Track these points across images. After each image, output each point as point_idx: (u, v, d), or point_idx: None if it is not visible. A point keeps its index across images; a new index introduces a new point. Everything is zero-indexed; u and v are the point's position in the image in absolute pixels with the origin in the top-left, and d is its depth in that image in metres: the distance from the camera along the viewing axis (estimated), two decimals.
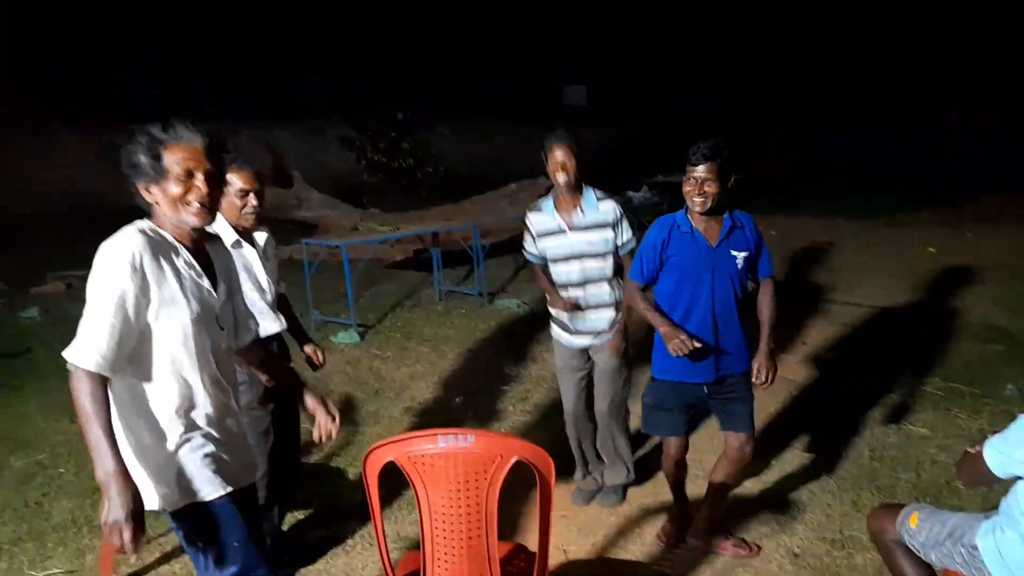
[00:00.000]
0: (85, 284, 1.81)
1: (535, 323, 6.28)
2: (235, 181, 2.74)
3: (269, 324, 2.89)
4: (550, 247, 3.31)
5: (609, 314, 3.31)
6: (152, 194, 1.88)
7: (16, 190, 12.23)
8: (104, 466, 1.70)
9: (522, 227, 3.44)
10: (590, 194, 3.28)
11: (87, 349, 1.73)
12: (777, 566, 2.97)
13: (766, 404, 4.55)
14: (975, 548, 2.09)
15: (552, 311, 3.42)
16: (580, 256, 3.27)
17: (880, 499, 3.38)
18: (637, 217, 10.31)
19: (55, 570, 3.06)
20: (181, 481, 1.88)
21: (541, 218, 3.33)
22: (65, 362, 1.74)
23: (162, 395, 1.88)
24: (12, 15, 13.86)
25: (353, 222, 8.69)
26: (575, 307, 3.29)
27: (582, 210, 3.25)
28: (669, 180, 12.39)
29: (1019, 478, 2.01)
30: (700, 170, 2.77)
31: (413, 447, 2.09)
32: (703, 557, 3.03)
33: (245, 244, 2.87)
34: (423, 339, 6.07)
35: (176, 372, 1.88)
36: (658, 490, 3.56)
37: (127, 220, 1.90)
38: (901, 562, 2.31)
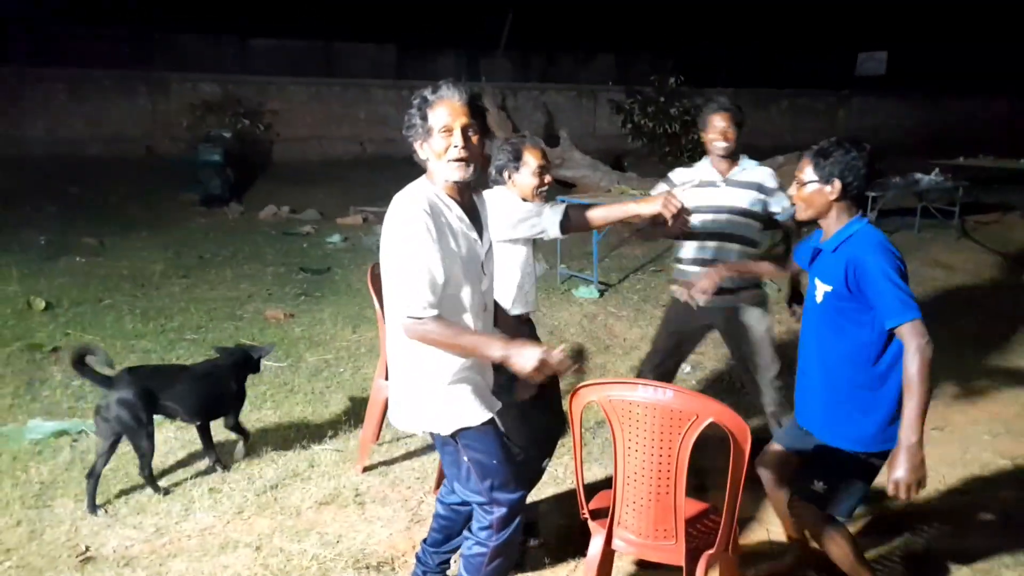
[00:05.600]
0: (379, 218, 2.16)
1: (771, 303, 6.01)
2: (531, 160, 2.75)
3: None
4: (696, 198, 3.14)
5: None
6: (423, 151, 2.09)
7: (339, 138, 14.43)
8: (495, 348, 1.99)
9: None
10: (746, 159, 3.29)
11: (418, 302, 1.99)
12: None
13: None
14: None
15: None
16: (730, 211, 3.21)
17: None
18: (923, 202, 9.22)
19: (327, 447, 3.77)
20: (455, 408, 2.14)
21: (689, 172, 3.35)
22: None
23: None
24: None
25: (609, 184, 8.92)
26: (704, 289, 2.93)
27: (740, 167, 3.27)
28: (971, 164, 10.74)
29: None
30: (800, 164, 2.39)
31: (613, 391, 2.24)
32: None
33: None
34: (660, 304, 6.14)
35: (452, 314, 2.10)
36: None
37: (411, 168, 2.16)
38: None
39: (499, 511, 2.19)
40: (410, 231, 2.01)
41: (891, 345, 2.27)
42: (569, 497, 3.17)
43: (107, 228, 8.64)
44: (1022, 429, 3.97)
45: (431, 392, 2.15)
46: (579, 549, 2.83)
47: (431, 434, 2.24)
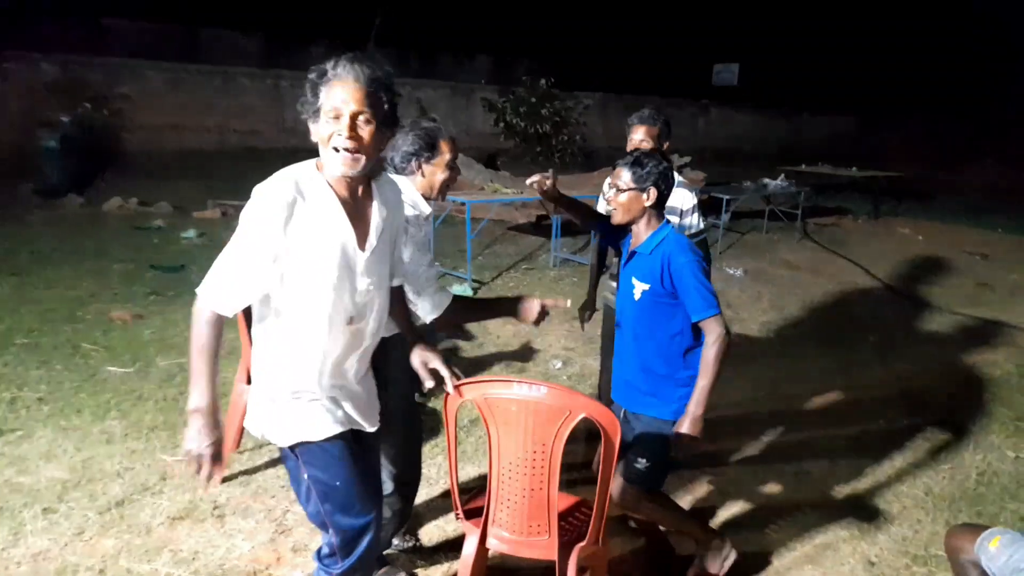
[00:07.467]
0: (239, 214, 1.83)
1: None
2: (446, 151, 2.47)
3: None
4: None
5: None
6: (313, 133, 1.78)
7: (200, 128, 13.55)
8: (197, 398, 1.74)
9: None
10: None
11: (214, 287, 1.75)
12: (849, 570, 2.88)
13: (872, 411, 4.35)
14: None
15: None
16: None
17: None
18: (770, 205, 9.99)
19: (180, 458, 3.49)
20: (294, 420, 1.92)
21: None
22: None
23: (289, 340, 1.88)
24: None
25: (482, 183, 8.94)
26: None
27: None
28: (812, 170, 11.78)
29: None
30: (616, 172, 2.50)
31: (489, 390, 2.22)
32: (771, 547, 3.00)
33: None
34: None
35: (305, 321, 1.86)
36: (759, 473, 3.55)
37: (277, 159, 1.96)
38: None
39: (337, 537, 2.00)
40: (256, 211, 1.74)
41: (696, 335, 2.49)
42: (442, 498, 3.13)
43: None
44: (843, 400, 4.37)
45: (275, 396, 1.95)
46: (453, 549, 2.80)
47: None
